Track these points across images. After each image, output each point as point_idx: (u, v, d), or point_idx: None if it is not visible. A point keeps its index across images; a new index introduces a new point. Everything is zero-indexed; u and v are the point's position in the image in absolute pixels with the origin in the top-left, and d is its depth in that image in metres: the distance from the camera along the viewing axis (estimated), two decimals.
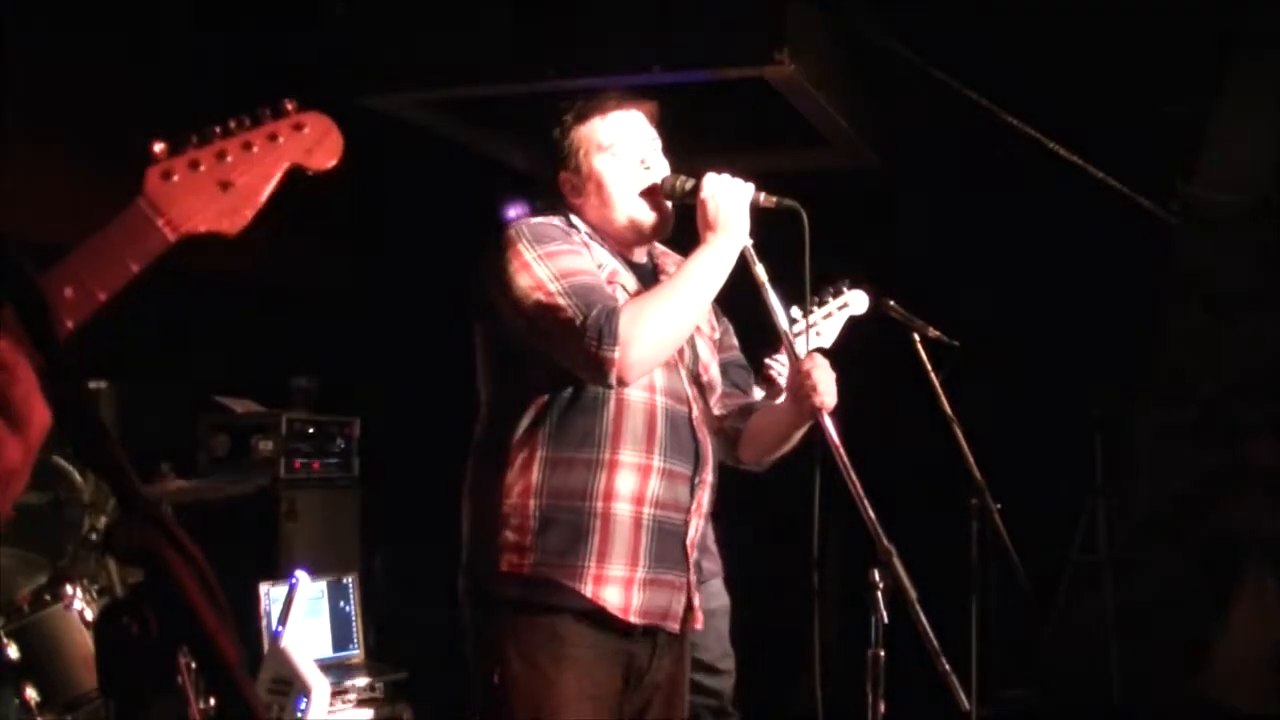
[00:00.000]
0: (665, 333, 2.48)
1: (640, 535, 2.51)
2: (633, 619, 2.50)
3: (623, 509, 2.50)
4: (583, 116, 2.66)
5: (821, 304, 3.24)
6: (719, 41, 4.26)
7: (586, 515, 2.48)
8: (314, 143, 1.41)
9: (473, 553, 2.58)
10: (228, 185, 1.35)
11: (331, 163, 1.43)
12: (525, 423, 2.52)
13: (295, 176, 1.41)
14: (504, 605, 2.49)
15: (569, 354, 2.45)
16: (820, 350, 3.13)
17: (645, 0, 4.37)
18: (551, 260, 2.50)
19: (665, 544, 2.55)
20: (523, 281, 2.48)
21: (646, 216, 2.64)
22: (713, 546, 3.80)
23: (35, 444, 1.12)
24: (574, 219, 2.66)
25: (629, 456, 2.51)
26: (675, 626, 2.60)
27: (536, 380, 2.53)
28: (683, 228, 2.72)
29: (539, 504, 2.49)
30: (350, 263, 5.62)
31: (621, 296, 2.55)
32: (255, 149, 1.37)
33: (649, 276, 2.68)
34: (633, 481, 2.51)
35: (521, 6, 4.49)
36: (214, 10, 4.59)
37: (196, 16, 4.56)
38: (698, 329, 2.71)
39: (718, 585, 3.83)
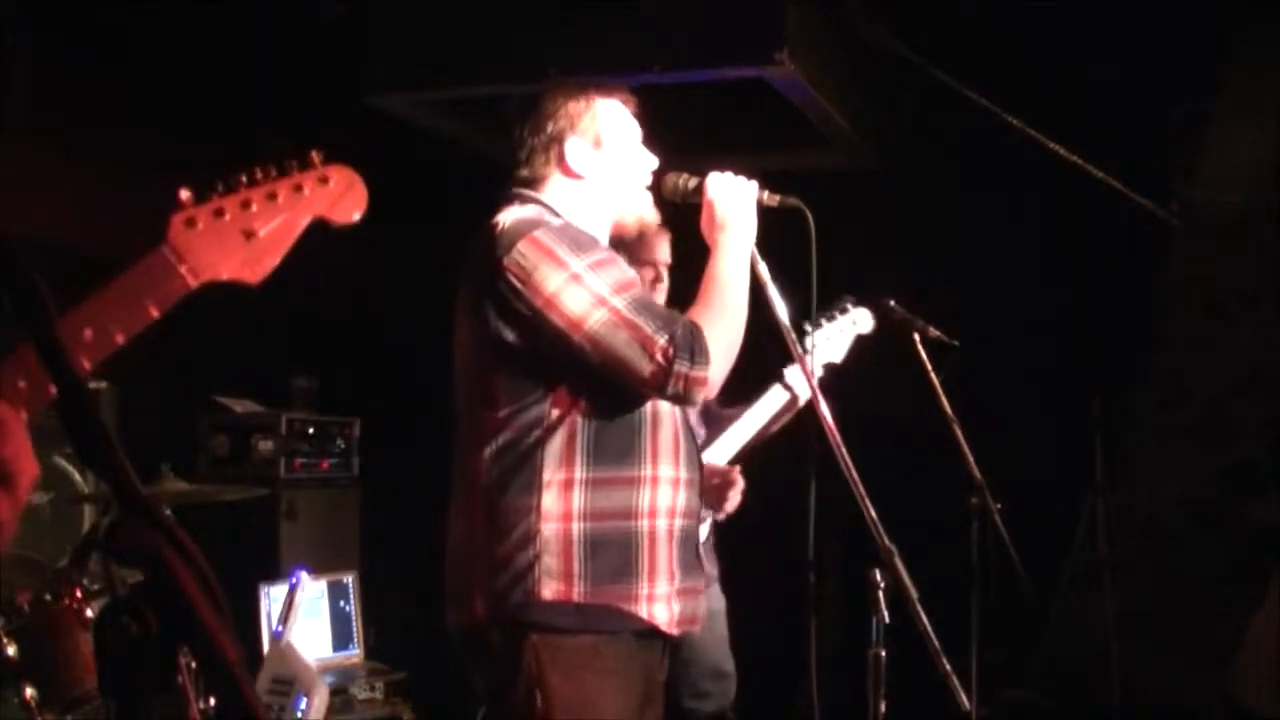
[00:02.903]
0: (734, 344, 2.41)
1: (673, 548, 2.45)
2: (674, 631, 2.46)
3: (662, 524, 2.43)
4: (606, 90, 2.55)
5: (830, 321, 3.25)
6: (719, 41, 4.26)
7: (634, 535, 2.39)
8: (338, 196, 1.42)
9: (500, 580, 2.37)
10: (251, 235, 1.35)
11: (356, 217, 1.43)
12: (558, 441, 2.36)
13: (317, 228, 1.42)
14: (542, 630, 2.35)
15: (644, 374, 2.31)
16: (832, 366, 3.17)
17: (645, 0, 4.37)
18: (603, 271, 2.34)
19: (688, 552, 2.51)
20: (577, 296, 2.31)
21: (651, 215, 2.60)
22: (713, 547, 3.80)
23: (23, 499, 1.18)
24: (565, 214, 2.48)
25: (665, 471, 2.44)
26: (699, 629, 2.59)
27: (566, 395, 2.38)
28: (681, 226, 2.72)
29: (584, 527, 2.36)
30: (350, 263, 5.62)
31: None
32: (280, 200, 1.38)
33: None
34: (669, 496, 2.45)
35: (521, 6, 4.49)
36: (214, 10, 4.59)
37: (197, 17, 4.56)
38: None
39: (716, 587, 3.83)
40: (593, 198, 2.53)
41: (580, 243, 2.37)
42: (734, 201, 2.50)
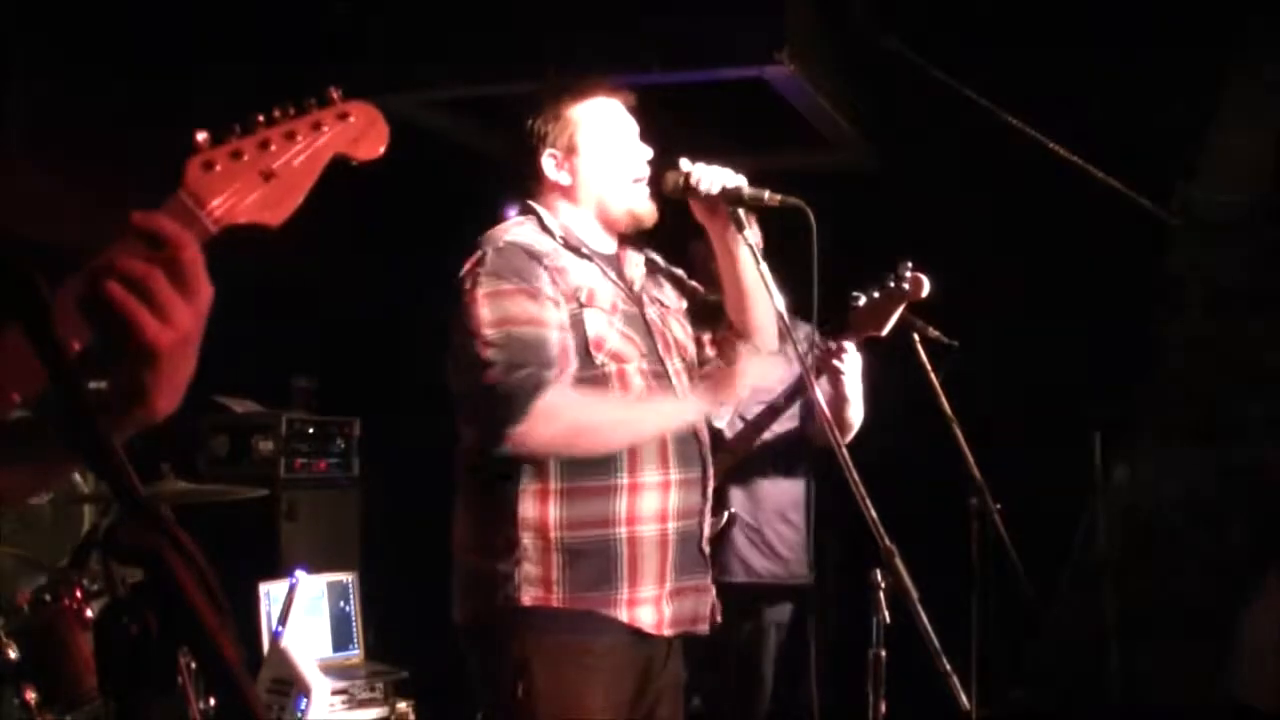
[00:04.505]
0: (585, 444, 2.40)
1: (666, 551, 2.47)
2: (665, 632, 2.49)
3: (648, 530, 2.46)
4: (579, 95, 2.58)
5: (881, 289, 3.20)
6: (719, 41, 4.26)
7: (613, 542, 2.43)
8: (359, 132, 1.38)
9: (483, 587, 2.46)
10: (270, 175, 1.31)
11: (378, 152, 1.38)
12: None
13: (338, 166, 1.38)
14: (527, 630, 2.41)
15: (469, 411, 2.39)
16: (875, 337, 3.14)
17: (645, 0, 4.37)
18: (497, 301, 2.40)
19: (687, 552, 2.52)
20: (471, 315, 2.40)
21: (645, 207, 2.60)
22: (785, 553, 3.74)
23: (204, 311, 1.20)
24: (547, 219, 2.56)
25: (650, 477, 2.46)
26: (705, 629, 2.59)
27: None
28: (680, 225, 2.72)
29: (560, 536, 2.41)
30: (350, 263, 5.62)
31: (596, 319, 2.47)
32: (299, 138, 1.33)
33: (618, 271, 2.62)
34: (655, 501, 2.47)
35: (521, 7, 4.50)
36: (214, 10, 4.59)
37: (197, 16, 4.56)
38: (667, 307, 2.68)
39: (779, 602, 3.78)
40: (578, 201, 2.59)
41: (502, 270, 2.43)
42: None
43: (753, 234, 2.56)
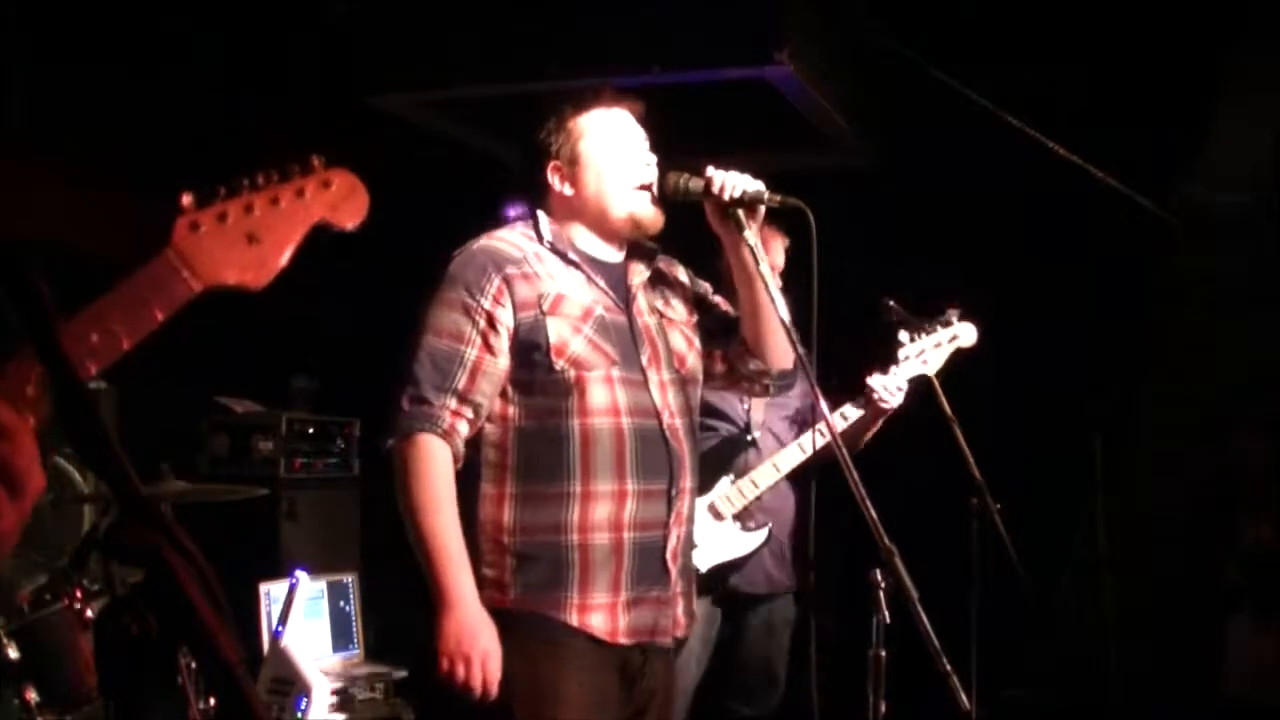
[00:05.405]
0: (404, 497, 2.48)
1: (621, 560, 2.50)
2: (621, 640, 2.50)
3: (601, 538, 2.48)
4: (581, 106, 2.62)
5: (930, 333, 3.30)
6: (719, 41, 4.26)
7: (564, 549, 2.47)
8: (340, 200, 1.43)
9: None
10: (254, 239, 1.36)
11: (358, 220, 1.44)
12: (490, 456, 2.52)
13: (318, 233, 1.43)
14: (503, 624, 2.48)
15: (394, 391, 2.50)
16: (924, 377, 3.24)
17: (645, 0, 4.37)
18: (438, 309, 2.54)
19: (646, 563, 2.53)
20: (420, 313, 2.56)
21: (646, 212, 2.61)
22: (793, 560, 3.76)
23: (28, 510, 1.16)
24: (542, 223, 2.61)
25: (603, 485, 2.48)
26: (667, 640, 2.59)
27: (501, 414, 2.53)
28: (679, 226, 2.72)
29: (513, 540, 2.48)
30: (350, 262, 5.61)
31: (559, 326, 2.50)
32: (282, 204, 1.38)
33: (618, 278, 2.63)
34: (609, 510, 2.48)
35: (521, 6, 4.49)
36: (214, 10, 4.59)
37: (196, 16, 4.56)
38: (669, 320, 2.69)
39: (787, 599, 3.79)
40: (580, 207, 2.62)
41: (455, 278, 2.55)
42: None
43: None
